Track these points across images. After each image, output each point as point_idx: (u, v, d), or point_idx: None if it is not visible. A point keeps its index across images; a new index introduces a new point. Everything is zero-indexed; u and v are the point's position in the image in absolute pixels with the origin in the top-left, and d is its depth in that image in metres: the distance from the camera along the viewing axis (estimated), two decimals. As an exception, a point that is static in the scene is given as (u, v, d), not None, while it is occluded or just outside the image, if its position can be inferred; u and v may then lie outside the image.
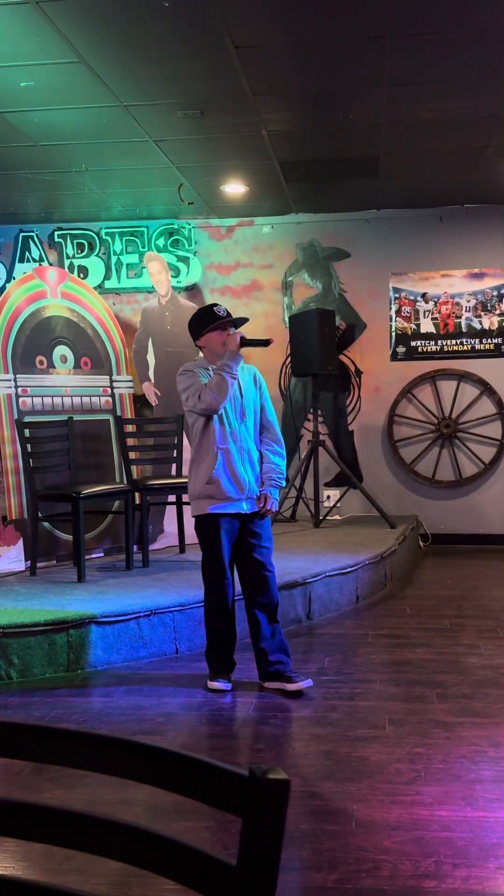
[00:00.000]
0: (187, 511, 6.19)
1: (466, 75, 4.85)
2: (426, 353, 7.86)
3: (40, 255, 7.97)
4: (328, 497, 7.80)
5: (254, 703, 3.75)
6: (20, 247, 7.99)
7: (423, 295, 7.83)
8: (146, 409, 7.25)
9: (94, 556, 6.05)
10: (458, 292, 7.78)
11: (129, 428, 6.27)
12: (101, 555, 6.16)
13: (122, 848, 1.03)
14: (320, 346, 6.99)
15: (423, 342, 7.85)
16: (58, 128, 5.53)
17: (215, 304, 3.97)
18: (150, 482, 5.77)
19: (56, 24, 4.14)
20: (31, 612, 4.29)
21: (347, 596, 5.51)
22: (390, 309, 7.88)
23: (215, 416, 3.82)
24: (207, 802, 0.99)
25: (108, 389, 6.53)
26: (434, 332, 7.83)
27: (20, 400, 6.00)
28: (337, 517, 7.68)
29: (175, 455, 6.21)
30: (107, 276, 7.97)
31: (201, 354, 4.02)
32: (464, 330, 7.80)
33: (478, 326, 7.78)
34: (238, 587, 4.01)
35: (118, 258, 7.95)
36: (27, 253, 7.98)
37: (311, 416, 7.56)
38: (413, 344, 7.87)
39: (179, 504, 6.13)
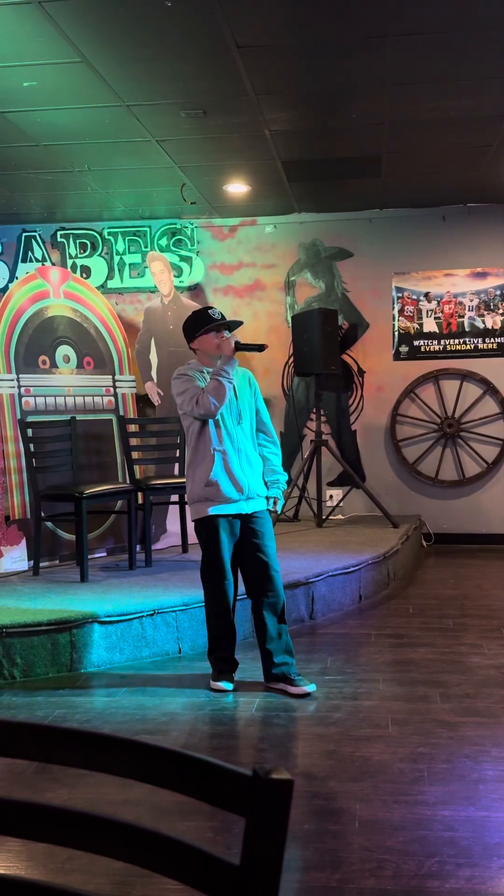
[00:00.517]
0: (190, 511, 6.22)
1: (469, 74, 4.85)
2: (429, 353, 7.85)
3: (43, 254, 7.97)
4: (331, 497, 7.80)
5: (256, 702, 3.75)
6: (23, 247, 7.99)
7: (426, 294, 7.83)
8: (149, 409, 7.26)
9: (96, 555, 6.05)
10: (461, 292, 7.78)
11: (132, 428, 6.27)
12: (104, 554, 6.16)
13: (124, 848, 1.03)
14: (323, 345, 6.99)
15: (425, 342, 7.85)
16: (60, 128, 5.54)
17: (210, 307, 3.99)
18: (153, 482, 5.77)
19: (58, 24, 4.14)
20: (34, 612, 4.30)
21: (350, 595, 5.50)
22: (393, 308, 7.87)
23: (211, 419, 3.83)
24: (210, 802, 0.99)
25: (111, 389, 6.54)
26: (437, 331, 7.83)
27: (23, 400, 6.00)
28: (340, 517, 7.67)
29: (178, 455, 6.21)
30: (109, 276, 7.97)
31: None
32: (467, 329, 7.79)
33: (481, 326, 7.78)
34: (241, 588, 4.01)
35: (121, 258, 7.95)
36: (30, 253, 7.99)
37: (313, 416, 7.56)
38: (416, 343, 7.86)
39: (182, 504, 6.13)
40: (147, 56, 4.54)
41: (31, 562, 5.56)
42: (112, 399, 6.52)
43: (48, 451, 5.79)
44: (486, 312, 7.77)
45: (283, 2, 4.01)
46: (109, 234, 7.94)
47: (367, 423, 7.94)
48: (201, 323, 3.89)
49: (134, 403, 6.69)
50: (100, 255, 7.98)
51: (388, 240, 7.81)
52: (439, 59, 4.64)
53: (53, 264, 7.81)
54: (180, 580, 5.09)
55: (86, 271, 7.93)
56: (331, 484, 7.84)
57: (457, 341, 7.81)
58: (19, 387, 6.00)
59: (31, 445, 5.59)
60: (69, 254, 7.97)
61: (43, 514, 5.58)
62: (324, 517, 7.34)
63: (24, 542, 5.66)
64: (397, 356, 7.89)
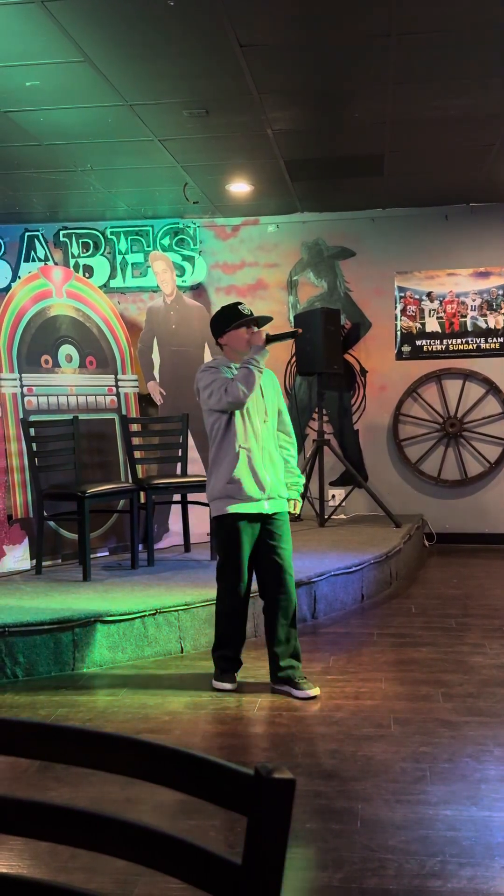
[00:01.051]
0: (192, 510, 6.23)
1: (472, 73, 4.84)
2: (431, 353, 7.84)
3: (45, 254, 7.98)
4: (333, 496, 7.80)
5: (258, 702, 3.75)
6: (25, 246, 8.00)
7: (429, 294, 7.82)
8: (151, 409, 7.25)
9: (99, 554, 6.06)
10: (463, 291, 7.77)
11: (135, 427, 6.27)
12: (107, 554, 6.16)
13: (127, 846, 1.03)
14: (325, 345, 6.98)
15: (428, 341, 7.84)
16: (63, 127, 5.54)
17: (239, 303, 3.93)
18: (156, 481, 5.77)
19: (61, 23, 4.14)
20: (36, 611, 4.30)
21: (352, 595, 5.50)
22: (395, 308, 7.87)
23: (237, 415, 3.77)
24: (212, 801, 0.99)
25: (114, 388, 6.54)
26: (439, 331, 7.82)
27: (26, 399, 6.01)
28: (342, 516, 7.67)
29: (180, 454, 6.21)
30: (112, 276, 7.97)
31: (211, 356, 4.00)
32: (469, 329, 7.79)
33: (483, 325, 7.77)
34: (253, 588, 3.97)
35: (123, 257, 7.95)
36: (32, 252, 7.99)
37: (315, 416, 7.56)
38: (418, 343, 7.86)
39: (185, 503, 6.13)
40: (150, 55, 4.54)
41: (34, 561, 5.56)
42: (114, 398, 6.53)
43: (51, 450, 5.79)
44: (488, 312, 7.76)
45: (286, 1, 4.01)
46: (112, 233, 7.95)
47: (370, 423, 7.94)
48: (231, 318, 3.83)
49: (136, 403, 6.69)
50: (102, 254, 7.98)
51: (391, 239, 7.81)
52: (442, 58, 4.64)
53: (56, 264, 7.82)
54: (183, 579, 5.09)
55: (88, 271, 7.93)
56: (333, 483, 7.83)
57: (459, 341, 7.80)
58: (22, 386, 6.01)
59: (34, 445, 5.60)
60: (72, 253, 7.98)
61: (45, 514, 5.59)
62: (326, 517, 7.33)
63: (26, 541, 5.67)
64: (400, 356, 7.89)
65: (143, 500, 5.74)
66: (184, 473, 6.18)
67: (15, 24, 4.15)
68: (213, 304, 7.89)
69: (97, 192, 7.05)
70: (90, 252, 7.98)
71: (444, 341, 7.82)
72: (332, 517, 7.51)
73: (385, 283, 7.85)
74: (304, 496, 7.45)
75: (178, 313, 6.99)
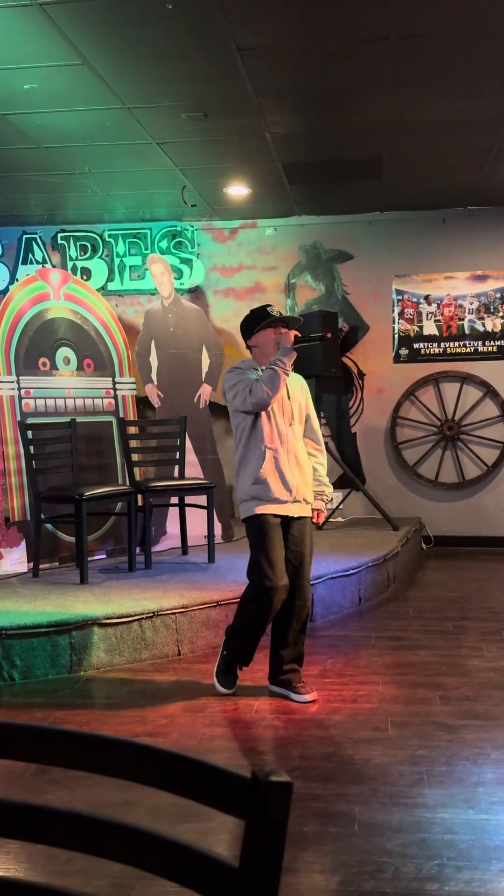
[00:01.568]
0: (190, 513, 6.22)
1: (470, 77, 4.85)
2: (429, 356, 7.85)
3: (43, 256, 7.98)
4: (331, 499, 7.79)
5: (256, 705, 3.74)
6: (23, 249, 7.99)
7: (426, 297, 7.83)
8: (149, 411, 7.26)
9: (96, 557, 6.05)
10: (461, 294, 7.78)
11: (132, 430, 6.27)
12: (104, 556, 6.16)
13: (124, 850, 1.03)
14: (323, 347, 6.98)
15: (425, 344, 7.85)
16: (61, 130, 5.54)
17: (268, 305, 3.91)
18: (153, 484, 5.77)
19: (59, 26, 4.14)
20: (33, 614, 4.30)
21: (350, 598, 5.50)
22: (393, 311, 7.87)
23: (263, 416, 3.74)
24: (210, 804, 0.99)
25: (111, 391, 6.54)
26: (437, 334, 7.83)
27: (23, 402, 6.00)
28: (339, 519, 7.67)
29: (178, 457, 6.21)
30: (110, 278, 7.97)
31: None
32: (467, 332, 7.80)
33: (481, 328, 7.78)
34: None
35: (121, 260, 7.96)
36: (30, 255, 7.99)
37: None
38: (416, 346, 7.87)
39: (182, 506, 6.13)
40: (148, 58, 4.54)
41: (31, 564, 5.56)
42: (112, 401, 6.53)
43: (48, 452, 5.79)
44: (486, 315, 7.77)
45: (284, 4, 4.01)
46: (110, 236, 7.95)
47: (368, 426, 7.95)
48: (260, 319, 3.82)
49: (134, 405, 6.69)
50: (100, 257, 7.98)
51: (389, 242, 7.82)
52: (440, 61, 4.65)
53: (54, 266, 7.82)
54: (180, 582, 5.09)
55: (86, 273, 7.93)
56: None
57: (457, 344, 7.81)
58: (19, 389, 6.00)
59: (31, 447, 5.60)
60: (70, 256, 7.98)
61: (43, 516, 5.58)
62: (323, 519, 7.33)
63: (23, 543, 5.66)
64: (397, 359, 7.90)
65: (140, 503, 5.73)
66: (181, 476, 6.18)
67: (13, 27, 4.15)
68: (211, 307, 7.91)
69: (95, 195, 7.05)
70: (88, 255, 7.98)
71: (442, 344, 7.83)
72: (330, 520, 7.50)
73: (383, 286, 7.86)
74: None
75: (175, 316, 6.99)
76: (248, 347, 3.93)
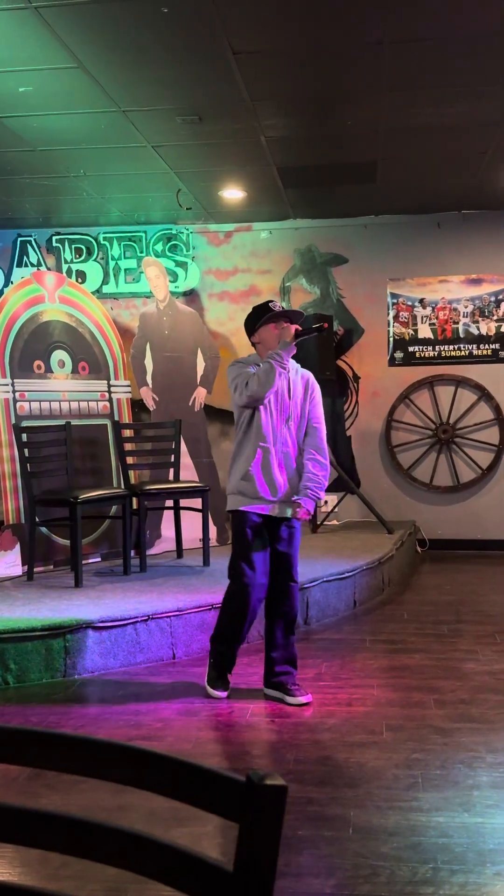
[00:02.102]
0: (185, 516, 6.21)
1: (465, 81, 4.86)
2: (424, 359, 7.86)
3: (38, 259, 7.97)
4: (325, 502, 7.79)
5: (251, 708, 3.74)
6: (18, 251, 7.99)
7: (421, 300, 7.84)
8: (144, 414, 7.25)
9: (91, 561, 6.04)
10: (455, 298, 7.80)
11: (127, 433, 6.26)
12: (99, 560, 6.15)
13: (118, 854, 1.03)
14: (318, 351, 6.99)
15: (420, 347, 7.86)
16: (56, 133, 5.54)
17: (270, 300, 3.91)
18: (148, 487, 5.76)
19: (55, 29, 4.14)
20: (27, 618, 4.28)
21: (345, 601, 5.50)
22: (388, 314, 7.89)
23: (259, 413, 3.73)
24: (204, 808, 0.98)
25: (106, 394, 6.53)
26: (432, 337, 7.84)
27: (18, 405, 5.99)
28: (334, 522, 7.67)
29: (172, 460, 6.20)
30: (105, 281, 7.97)
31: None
32: (461, 335, 7.81)
33: (475, 332, 7.80)
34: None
35: (116, 263, 7.95)
36: (25, 257, 7.98)
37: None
38: (411, 349, 7.88)
39: (177, 509, 6.12)
40: (143, 62, 4.54)
41: (25, 567, 5.54)
42: (107, 404, 6.52)
43: (43, 455, 5.78)
44: (480, 319, 7.78)
45: (279, 8, 4.02)
46: (105, 239, 7.95)
47: (362, 429, 7.95)
48: (262, 314, 3.81)
49: (129, 408, 6.69)
50: (95, 259, 7.98)
51: (384, 246, 7.83)
52: (435, 65, 4.66)
53: (49, 269, 7.81)
54: (175, 585, 5.08)
55: (81, 276, 7.93)
56: (325, 489, 7.82)
57: (451, 347, 7.83)
58: (14, 391, 5.99)
59: (26, 450, 5.59)
60: (64, 258, 7.98)
61: (37, 519, 5.57)
62: (318, 523, 7.33)
63: (18, 547, 5.65)
64: (392, 362, 7.91)
65: (135, 506, 5.73)
66: (176, 479, 6.17)
67: (8, 30, 4.15)
68: (206, 311, 7.91)
69: (90, 198, 7.05)
70: (83, 257, 7.98)
71: (437, 348, 7.84)
72: (325, 523, 7.51)
73: (377, 289, 7.87)
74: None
75: (170, 319, 6.99)
76: (253, 345, 3.91)
